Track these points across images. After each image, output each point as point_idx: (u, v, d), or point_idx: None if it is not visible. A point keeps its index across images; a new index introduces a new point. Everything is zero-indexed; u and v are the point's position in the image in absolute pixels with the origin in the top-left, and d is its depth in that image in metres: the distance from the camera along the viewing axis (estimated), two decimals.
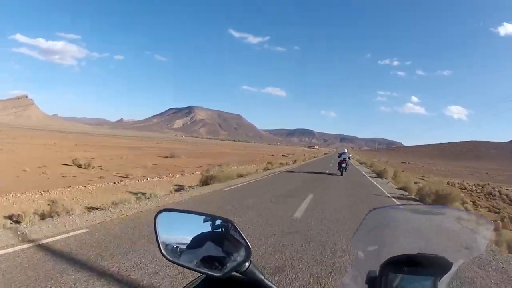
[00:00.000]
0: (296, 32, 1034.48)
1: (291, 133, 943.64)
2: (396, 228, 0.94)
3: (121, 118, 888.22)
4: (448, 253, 0.71)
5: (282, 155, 52.13)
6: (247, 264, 0.89)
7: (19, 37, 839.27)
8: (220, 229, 1.01)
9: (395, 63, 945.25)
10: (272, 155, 54.86)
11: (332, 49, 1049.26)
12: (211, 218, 1.03)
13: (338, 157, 20.09)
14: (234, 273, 0.90)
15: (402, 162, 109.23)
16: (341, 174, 18.74)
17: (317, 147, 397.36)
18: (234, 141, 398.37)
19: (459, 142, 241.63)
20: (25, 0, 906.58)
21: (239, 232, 0.94)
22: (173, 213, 1.11)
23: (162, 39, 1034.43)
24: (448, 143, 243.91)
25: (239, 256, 0.91)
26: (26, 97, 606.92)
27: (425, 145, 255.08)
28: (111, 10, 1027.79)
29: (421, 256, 0.70)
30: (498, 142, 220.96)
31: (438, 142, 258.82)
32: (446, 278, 0.71)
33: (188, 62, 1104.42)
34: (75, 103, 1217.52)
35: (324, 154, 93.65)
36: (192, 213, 1.08)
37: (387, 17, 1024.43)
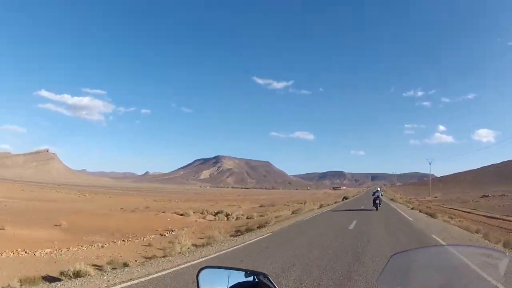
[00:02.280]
0: (319, 74, 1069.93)
1: (322, 176, 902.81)
2: (418, 269, 0.95)
3: (147, 172, 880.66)
4: None
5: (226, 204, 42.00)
6: None
7: (44, 93, 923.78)
8: (253, 280, 1.10)
9: (419, 93, 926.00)
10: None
11: (355, 86, 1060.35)
12: (246, 271, 1.12)
13: (373, 195, 24.16)
14: None
15: (482, 196, 65.15)
16: (376, 209, 22.16)
17: (344, 187, 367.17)
18: (261, 189, 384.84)
19: None
20: (48, 56, 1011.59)
21: (273, 284, 1.02)
22: (214, 269, 1.21)
23: (187, 91, 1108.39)
24: (504, 162, 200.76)
25: None
26: (47, 151, 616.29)
27: (470, 170, 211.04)
28: (134, 64, 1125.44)
29: None
30: None
31: (490, 164, 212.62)
32: None
33: (214, 112, 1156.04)
34: (103, 158, 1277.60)
35: (344, 198, 66.83)
36: (231, 269, 1.16)
37: (405, 48, 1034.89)
